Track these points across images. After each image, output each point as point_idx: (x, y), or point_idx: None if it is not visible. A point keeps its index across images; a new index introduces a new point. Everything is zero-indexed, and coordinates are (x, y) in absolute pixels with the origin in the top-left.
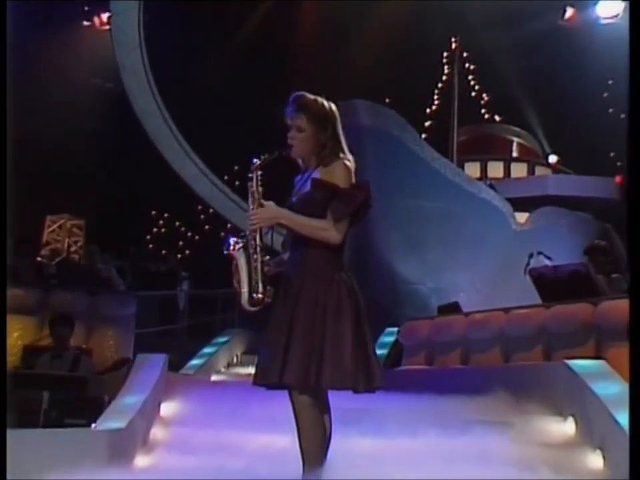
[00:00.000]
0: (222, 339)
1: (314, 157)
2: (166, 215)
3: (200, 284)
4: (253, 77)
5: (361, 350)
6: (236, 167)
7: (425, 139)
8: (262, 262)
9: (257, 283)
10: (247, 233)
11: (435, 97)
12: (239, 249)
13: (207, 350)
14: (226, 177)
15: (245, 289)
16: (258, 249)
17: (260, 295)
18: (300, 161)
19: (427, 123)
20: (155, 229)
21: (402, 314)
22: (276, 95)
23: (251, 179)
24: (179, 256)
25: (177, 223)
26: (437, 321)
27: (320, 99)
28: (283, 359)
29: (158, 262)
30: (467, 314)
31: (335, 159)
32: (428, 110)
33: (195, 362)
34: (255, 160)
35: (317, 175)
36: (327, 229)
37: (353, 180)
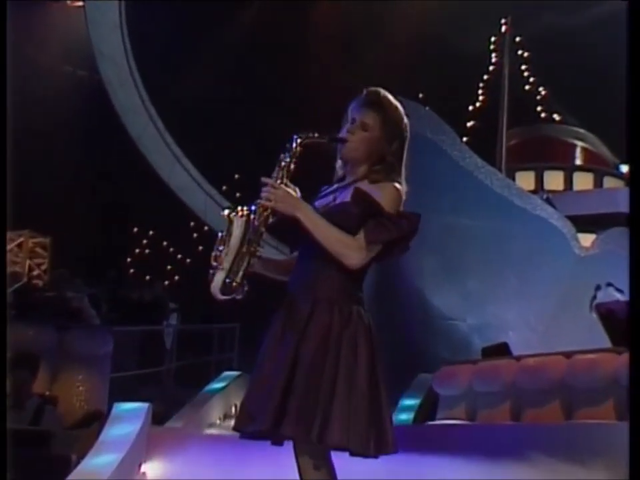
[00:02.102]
0: (218, 385)
1: (363, 167)
2: (151, 232)
3: (191, 317)
4: (257, 68)
5: (375, 405)
6: (236, 176)
7: (467, 142)
8: (254, 249)
9: (238, 268)
10: (253, 207)
11: (480, 91)
12: (242, 216)
13: (199, 398)
14: (224, 188)
15: (224, 266)
16: (259, 231)
17: (235, 283)
18: (339, 167)
19: (470, 124)
20: (137, 250)
21: (437, 356)
22: (286, 89)
23: (289, 150)
24: (167, 283)
25: (165, 243)
26: (481, 366)
27: (400, 107)
28: (280, 401)
29: (141, 290)
30: (518, 358)
31: (386, 178)
32: (471, 107)
33: (184, 412)
34: (296, 136)
35: (362, 187)
36: (350, 247)
37: (400, 208)
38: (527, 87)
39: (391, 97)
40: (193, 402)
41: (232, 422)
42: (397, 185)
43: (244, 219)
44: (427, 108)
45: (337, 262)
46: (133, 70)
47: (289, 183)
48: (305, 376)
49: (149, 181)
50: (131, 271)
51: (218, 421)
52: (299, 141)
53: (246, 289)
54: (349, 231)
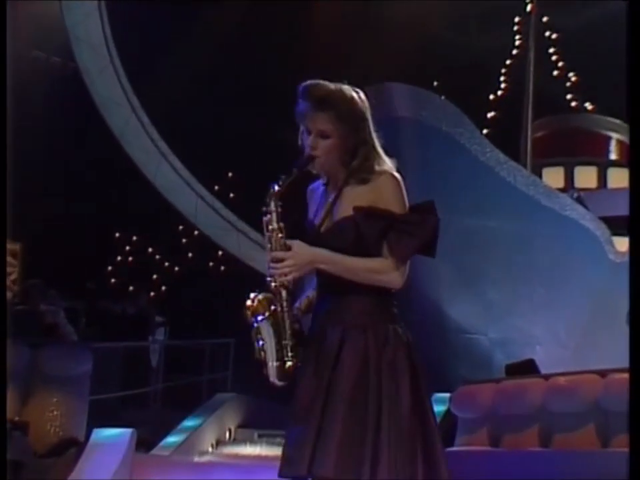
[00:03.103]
0: (210, 408)
1: (342, 170)
2: (134, 237)
3: (180, 332)
4: (253, 52)
5: (426, 435)
6: (230, 174)
7: (487, 135)
8: (291, 322)
9: (286, 349)
10: (270, 285)
11: (502, 77)
12: (266, 318)
13: (189, 422)
14: (216, 187)
15: (273, 363)
16: (285, 307)
17: (290, 363)
18: (321, 174)
19: (491, 114)
20: (119, 257)
21: (455, 375)
22: (286, 75)
23: (270, 211)
24: (152, 294)
25: (150, 249)
26: (505, 386)
27: (346, 89)
28: (314, 441)
29: (123, 302)
30: (546, 376)
31: (374, 172)
32: (492, 96)
33: (173, 438)
34: (274, 186)
35: (358, 198)
36: (386, 272)
37: (406, 196)
38: (555, 73)
39: (327, 84)
40: (182, 427)
41: (226, 449)
42: (394, 172)
43: (269, 320)
44: (443, 97)
45: (367, 285)
46: (113, 57)
47: (288, 242)
48: (343, 412)
49: (132, 180)
50: (112, 280)
51: (210, 448)
52: (274, 195)
53: (301, 351)
54: (370, 252)
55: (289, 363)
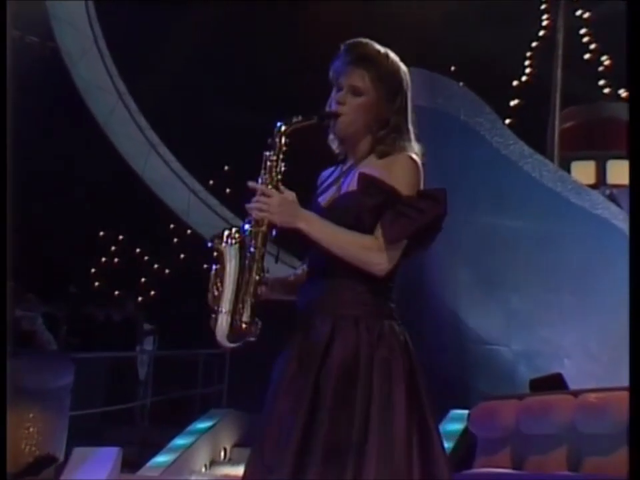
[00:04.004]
0: (203, 425)
1: (366, 140)
2: (121, 237)
3: (171, 341)
4: (252, 33)
5: (422, 439)
6: (226, 167)
7: (510, 125)
8: (258, 276)
9: (243, 304)
10: (247, 224)
11: (527, 62)
12: (233, 243)
13: (180, 441)
14: (211, 182)
15: (225, 308)
16: (258, 254)
17: (244, 325)
18: (336, 147)
19: (514, 102)
20: (104, 259)
21: (474, 389)
22: (287, 56)
23: (273, 145)
24: (140, 299)
25: (138, 250)
26: (529, 402)
27: (392, 54)
28: (298, 451)
29: (108, 308)
30: (575, 393)
31: (396, 148)
32: (515, 82)
33: (162, 458)
34: (279, 123)
35: (368, 169)
36: (371, 251)
37: (421, 185)
38: (586, 56)
39: (376, 45)
40: (173, 445)
41: (220, 470)
42: (413, 154)
43: (236, 245)
44: (461, 84)
45: (357, 269)
46: (97, 37)
47: (281, 187)
48: (330, 411)
49: (117, 174)
50: (96, 284)
51: (203, 469)
52: (283, 129)
53: (259, 326)
54: (364, 229)
55: (241, 324)
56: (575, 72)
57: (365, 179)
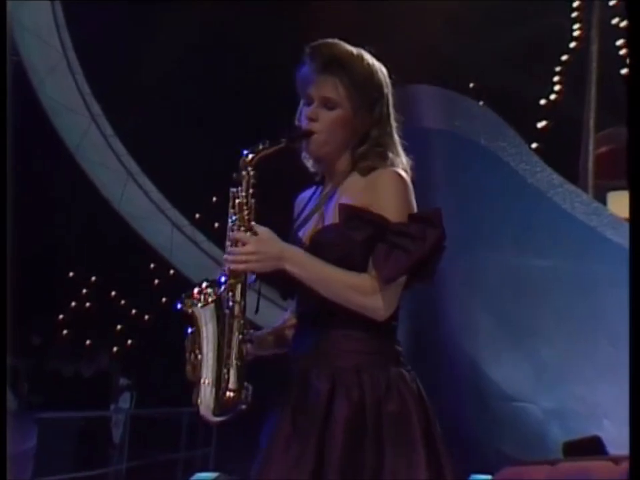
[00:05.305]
0: None
1: (346, 157)
2: (94, 278)
3: (151, 398)
4: (242, 48)
5: None
6: (214, 198)
7: (537, 150)
8: (241, 334)
9: (228, 370)
10: (222, 277)
11: (556, 78)
12: (206, 304)
13: None
14: (197, 215)
15: (207, 379)
16: (237, 309)
17: (231, 393)
18: (311, 164)
19: (541, 124)
20: (73, 303)
21: (498, 452)
22: (285, 59)
23: (239, 181)
24: (115, 349)
25: (113, 293)
26: (563, 468)
27: (365, 53)
28: None
29: (78, 361)
30: (616, 459)
31: (380, 163)
32: (543, 101)
33: None
34: (246, 152)
35: (350, 195)
36: (367, 294)
37: (413, 204)
38: (623, 71)
39: (347, 45)
40: None
41: None
42: (399, 170)
43: (211, 306)
44: (482, 103)
45: (353, 311)
46: (67, 51)
47: (254, 226)
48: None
49: (90, 206)
50: (64, 332)
51: None
52: (249, 158)
53: (250, 391)
54: (355, 265)
55: (229, 393)
56: (610, 89)
57: (346, 212)
